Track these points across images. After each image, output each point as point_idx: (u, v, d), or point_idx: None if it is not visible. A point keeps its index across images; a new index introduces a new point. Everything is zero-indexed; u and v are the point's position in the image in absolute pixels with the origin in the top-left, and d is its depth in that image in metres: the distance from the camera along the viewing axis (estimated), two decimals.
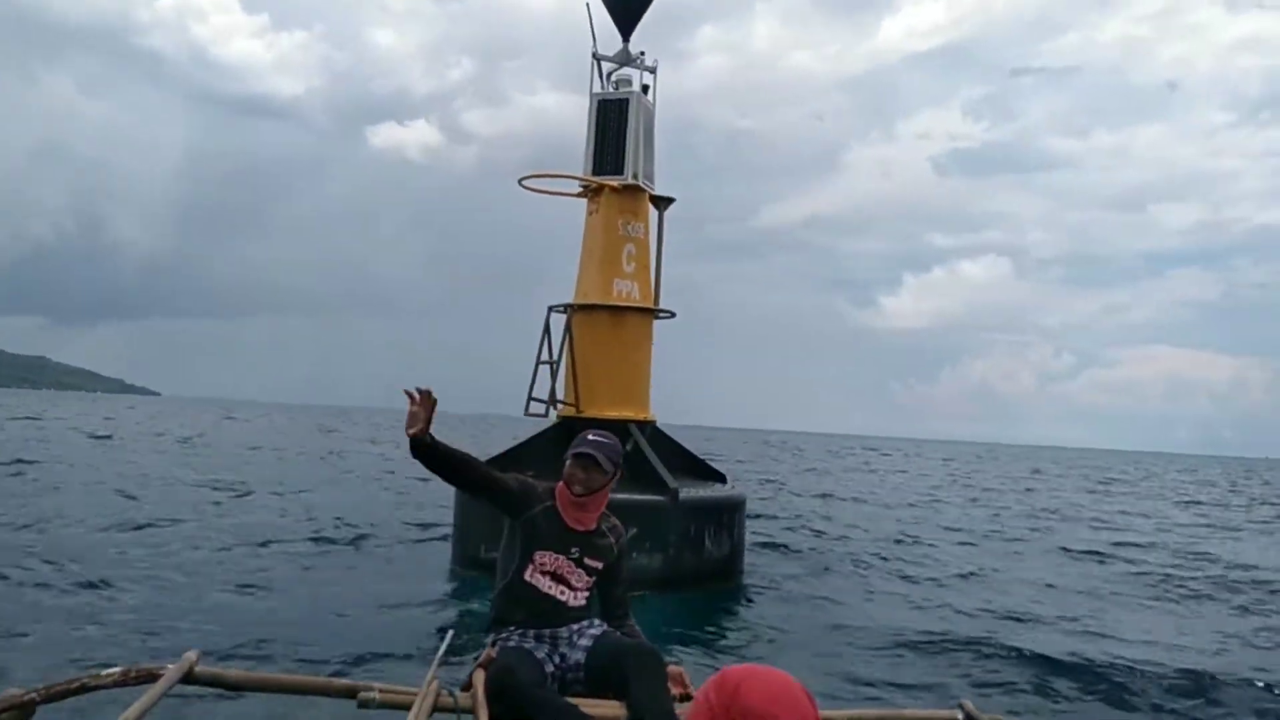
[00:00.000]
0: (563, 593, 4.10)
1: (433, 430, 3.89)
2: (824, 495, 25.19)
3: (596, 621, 4.18)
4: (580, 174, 11.91)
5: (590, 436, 4.12)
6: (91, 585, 9.20)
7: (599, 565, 4.16)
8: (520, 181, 11.98)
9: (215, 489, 18.93)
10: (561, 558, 4.10)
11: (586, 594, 4.16)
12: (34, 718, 3.77)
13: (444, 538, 12.98)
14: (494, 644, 4.01)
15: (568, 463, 4.05)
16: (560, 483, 4.12)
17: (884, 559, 14.40)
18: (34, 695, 3.61)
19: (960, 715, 4.01)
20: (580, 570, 4.12)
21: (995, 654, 8.42)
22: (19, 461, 21.82)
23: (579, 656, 3.99)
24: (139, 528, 13.42)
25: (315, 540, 13.28)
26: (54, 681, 3.70)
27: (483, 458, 11.51)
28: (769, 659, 7.37)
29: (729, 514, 11.27)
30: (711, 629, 8.71)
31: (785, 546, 14.74)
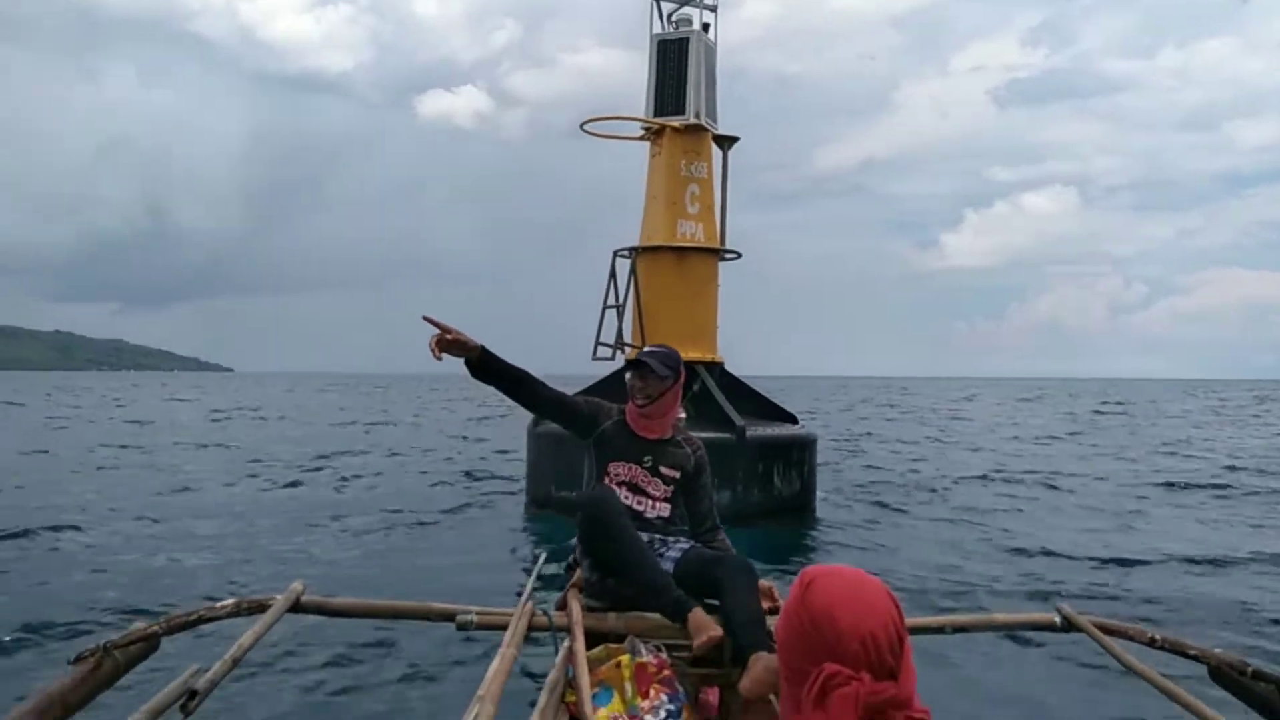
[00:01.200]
0: (640, 503, 4.20)
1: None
2: (905, 441, 24.91)
3: (684, 538, 4.33)
4: (643, 116, 11.97)
5: (646, 348, 4.23)
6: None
7: (675, 474, 4.24)
8: (582, 126, 12.06)
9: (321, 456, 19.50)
10: (635, 467, 4.19)
11: (667, 504, 4.25)
12: (158, 650, 4.12)
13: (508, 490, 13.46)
14: (594, 566, 4.18)
15: (627, 376, 4.18)
16: (629, 401, 4.24)
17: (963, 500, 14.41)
18: (157, 628, 3.92)
19: (1058, 619, 4.09)
20: (656, 479, 4.21)
21: (1095, 567, 8.53)
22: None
23: (667, 566, 4.07)
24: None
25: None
26: (173, 615, 4.02)
27: None
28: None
29: (798, 452, 11.39)
30: (782, 561, 8.90)
31: (867, 487, 14.81)
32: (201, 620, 4.04)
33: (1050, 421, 36.35)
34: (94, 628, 6.05)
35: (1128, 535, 10.85)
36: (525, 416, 13.37)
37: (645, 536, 4.19)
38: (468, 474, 15.86)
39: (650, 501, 4.23)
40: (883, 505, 12.96)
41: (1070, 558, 9.40)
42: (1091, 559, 9.35)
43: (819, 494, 12.35)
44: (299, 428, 29.03)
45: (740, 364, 12.22)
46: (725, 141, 12.09)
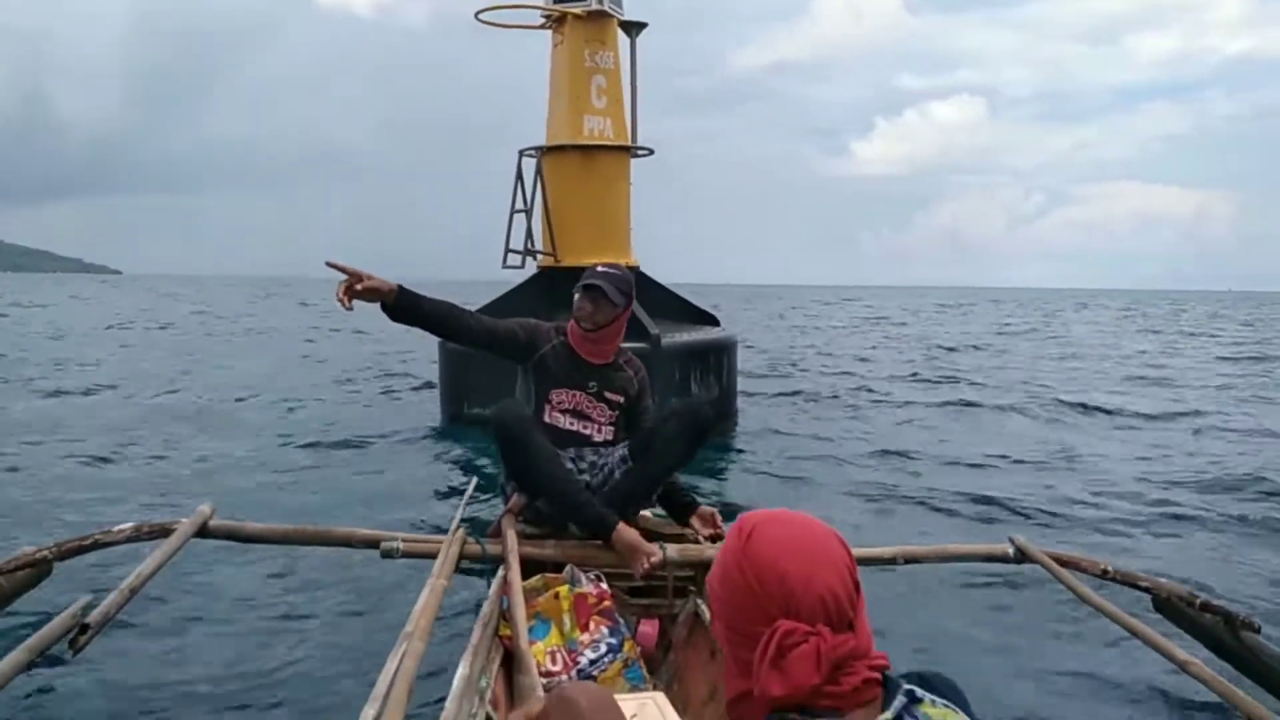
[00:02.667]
0: (586, 427, 4.12)
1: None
2: (817, 349, 25.25)
3: (621, 447, 4.23)
4: (541, 3, 11.52)
5: (599, 268, 4.09)
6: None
7: (620, 398, 4.17)
8: (477, 15, 11.57)
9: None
10: (579, 393, 4.10)
11: (612, 428, 4.17)
12: (50, 576, 3.85)
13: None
14: (518, 489, 4.05)
15: (576, 296, 4.03)
16: (571, 320, 4.11)
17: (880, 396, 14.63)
18: (47, 553, 3.66)
19: (1011, 550, 4.15)
20: (601, 404, 4.13)
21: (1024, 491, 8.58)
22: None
23: (612, 467, 4.04)
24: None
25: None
26: (67, 539, 3.76)
27: None
28: (773, 500, 7.55)
29: (716, 356, 11.33)
30: (708, 475, 8.86)
31: (782, 392, 14.93)
32: (98, 545, 3.80)
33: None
34: None
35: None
36: None
37: (589, 454, 4.10)
38: (372, 385, 15.48)
39: (596, 426, 4.14)
40: (804, 410, 13.10)
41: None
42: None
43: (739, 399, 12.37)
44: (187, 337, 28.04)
45: (657, 269, 12.07)
46: (633, 28, 11.70)
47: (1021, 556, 4.14)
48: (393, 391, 14.74)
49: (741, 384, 12.83)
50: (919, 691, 1.42)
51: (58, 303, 53.94)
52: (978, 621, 4.86)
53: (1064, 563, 4.07)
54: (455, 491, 7.96)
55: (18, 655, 3.09)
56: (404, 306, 3.81)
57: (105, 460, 8.99)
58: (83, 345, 23.94)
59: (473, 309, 11.07)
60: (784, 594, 1.42)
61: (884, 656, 1.45)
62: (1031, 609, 5.02)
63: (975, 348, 27.96)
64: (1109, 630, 4.23)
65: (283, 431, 11.07)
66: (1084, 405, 14.34)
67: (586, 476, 4.02)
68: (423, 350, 15.94)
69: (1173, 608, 4.20)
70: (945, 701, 1.44)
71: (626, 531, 3.80)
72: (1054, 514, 7.49)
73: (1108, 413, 13.66)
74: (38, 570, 3.74)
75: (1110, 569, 4.11)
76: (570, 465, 4.00)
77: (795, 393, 15.17)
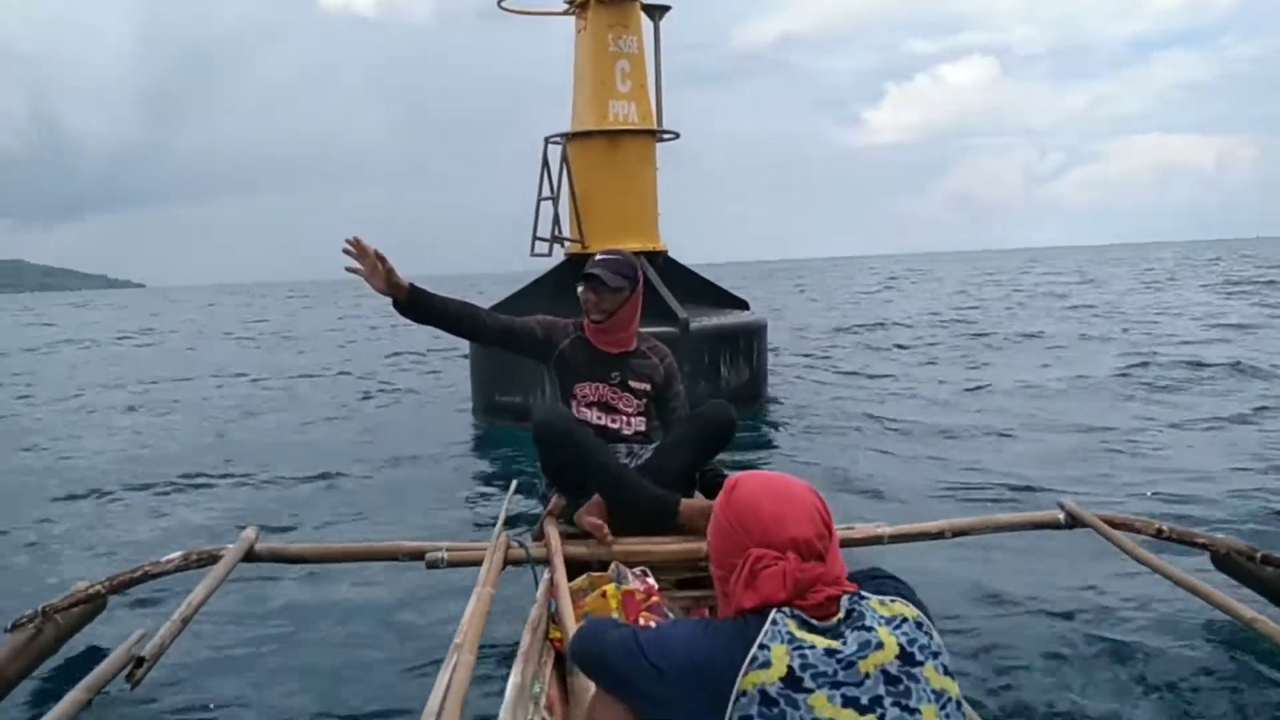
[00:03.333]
0: (615, 420, 4.09)
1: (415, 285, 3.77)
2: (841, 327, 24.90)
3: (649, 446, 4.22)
4: None
5: (597, 256, 4.07)
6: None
7: (645, 386, 4.14)
8: (500, 3, 11.52)
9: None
10: (602, 385, 4.08)
11: (642, 418, 4.16)
12: (104, 610, 3.92)
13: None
14: (560, 490, 4.05)
15: (579, 290, 4.02)
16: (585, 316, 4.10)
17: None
18: (100, 587, 3.74)
19: (1062, 515, 4.10)
20: (627, 394, 4.10)
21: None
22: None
23: (647, 456, 4.02)
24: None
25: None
26: (118, 572, 3.82)
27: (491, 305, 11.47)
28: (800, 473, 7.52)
29: (746, 339, 11.30)
30: (734, 452, 8.78)
31: (811, 375, 14.86)
32: (148, 576, 3.86)
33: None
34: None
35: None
36: None
37: (623, 447, 4.08)
38: (393, 385, 15.52)
39: (625, 418, 4.12)
40: (839, 393, 13.02)
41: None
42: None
43: (771, 380, 12.34)
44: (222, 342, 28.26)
45: (684, 251, 12.02)
46: (656, 11, 11.59)
47: (1073, 521, 4.10)
48: (428, 383, 14.76)
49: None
50: (864, 592, 1.75)
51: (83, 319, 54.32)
52: (1032, 589, 4.78)
53: (1116, 525, 4.05)
54: (489, 486, 8.02)
55: (77, 694, 3.15)
56: (415, 303, 3.80)
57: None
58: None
59: (497, 300, 11.12)
60: (760, 529, 1.75)
61: (854, 586, 1.75)
62: (1086, 574, 4.91)
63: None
64: (1168, 591, 4.16)
65: (320, 434, 11.21)
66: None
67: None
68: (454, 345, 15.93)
69: (1233, 564, 4.16)
70: (891, 597, 1.77)
71: (691, 503, 3.79)
72: None
73: None
74: (93, 605, 3.82)
75: (1165, 528, 4.09)
76: None
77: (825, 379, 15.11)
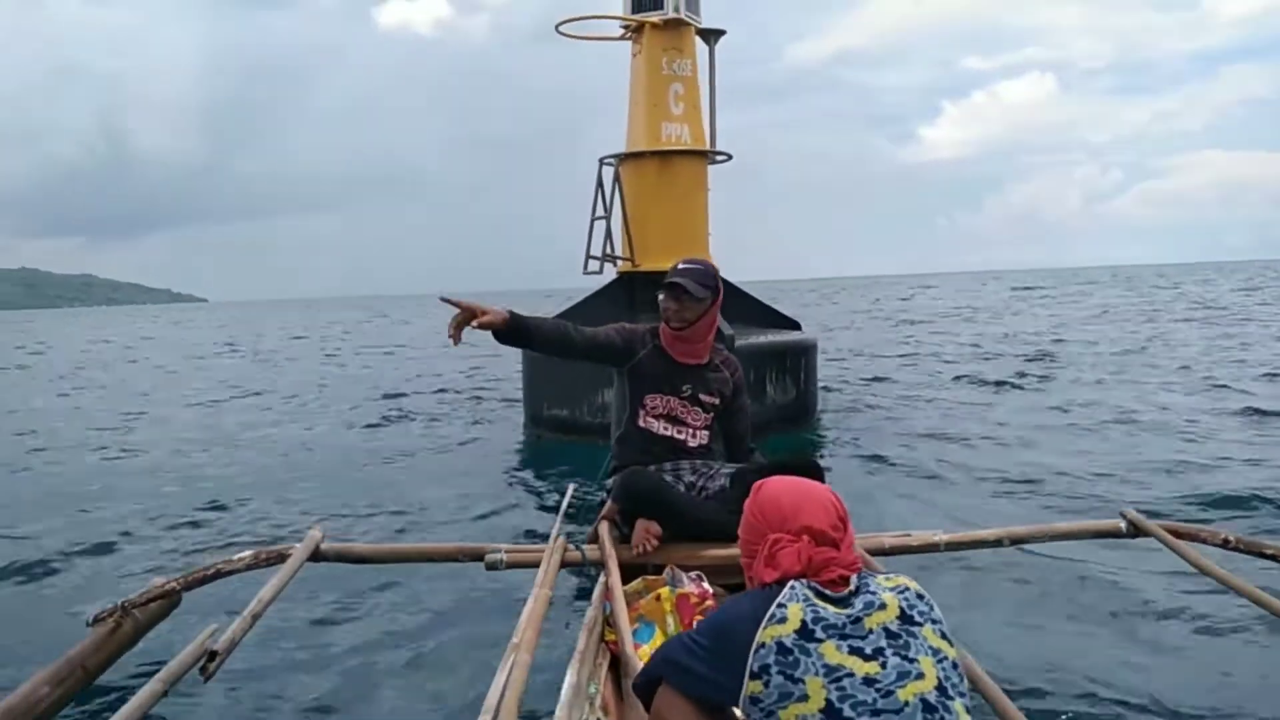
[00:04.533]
0: (680, 432, 4.12)
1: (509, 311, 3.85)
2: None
3: (725, 463, 4.25)
4: (620, 14, 11.62)
5: (680, 265, 4.09)
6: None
7: (715, 400, 4.17)
8: (557, 27, 11.72)
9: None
10: (673, 398, 4.12)
11: (706, 431, 4.17)
12: (179, 606, 4.08)
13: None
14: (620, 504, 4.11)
15: (660, 297, 4.05)
16: (661, 323, 4.13)
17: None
18: (175, 584, 3.89)
19: (1123, 524, 4.03)
20: (696, 408, 4.14)
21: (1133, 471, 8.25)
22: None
23: (721, 482, 4.03)
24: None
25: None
26: (192, 570, 3.98)
27: None
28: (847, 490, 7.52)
29: (793, 359, 11.29)
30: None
31: (864, 394, 14.80)
32: (220, 574, 4.02)
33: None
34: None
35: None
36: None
37: (686, 464, 4.14)
38: (459, 391, 15.71)
39: (690, 430, 4.15)
40: (889, 414, 12.97)
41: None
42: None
43: (821, 401, 12.32)
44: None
45: (742, 269, 12.09)
46: (711, 35, 11.73)
47: (1135, 531, 3.99)
48: (481, 401, 14.97)
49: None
50: (870, 574, 1.98)
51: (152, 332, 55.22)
52: (1093, 600, 4.73)
53: (1181, 535, 3.90)
54: (545, 491, 8.15)
55: (154, 685, 3.29)
56: (513, 332, 3.86)
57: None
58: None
59: (553, 315, 11.29)
60: (779, 517, 2.00)
61: (858, 569, 1.96)
62: (1150, 586, 4.83)
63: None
64: (1236, 606, 4.05)
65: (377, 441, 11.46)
66: None
67: (681, 487, 4.07)
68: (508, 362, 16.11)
69: None
70: (895, 574, 2.02)
71: None
72: None
73: None
74: (168, 601, 3.97)
75: (1233, 539, 3.90)
76: (669, 479, 4.05)
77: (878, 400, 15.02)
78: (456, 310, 3.76)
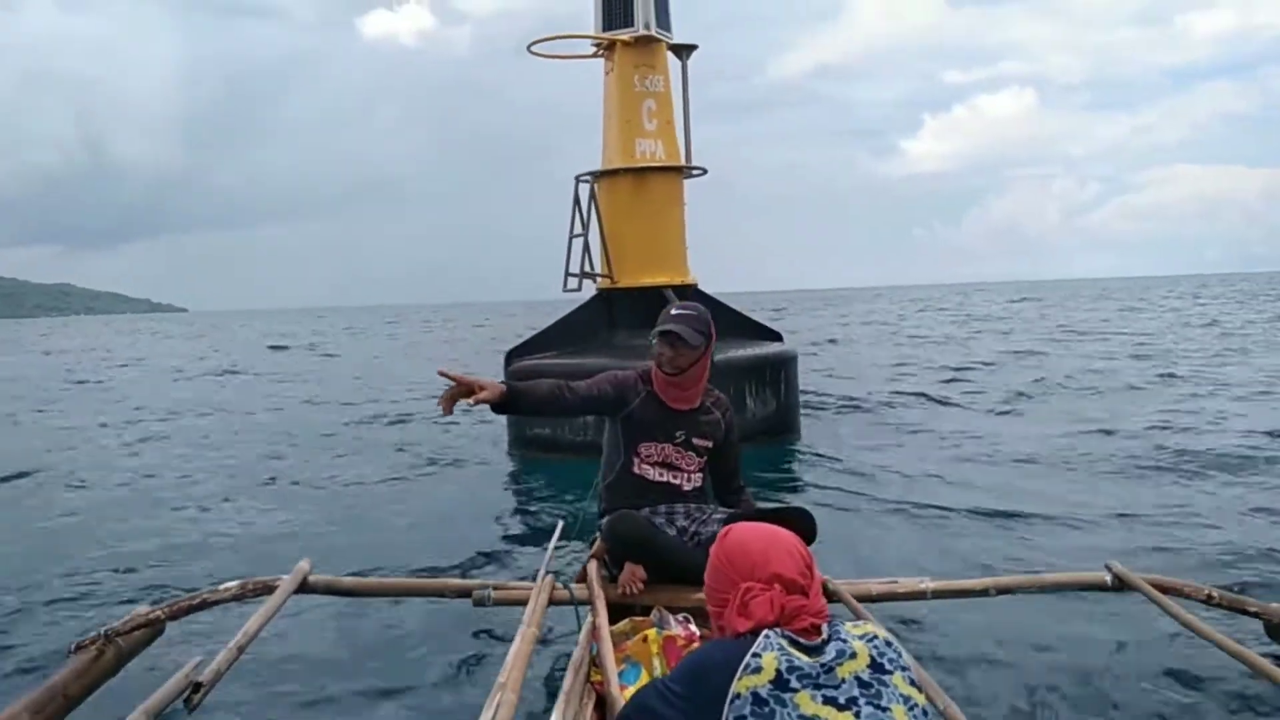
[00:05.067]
0: (675, 477, 4.10)
1: (498, 384, 3.85)
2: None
3: (717, 508, 4.23)
4: (591, 31, 11.67)
5: (674, 311, 4.06)
6: None
7: (708, 444, 4.14)
8: (529, 48, 11.76)
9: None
10: (667, 445, 4.09)
11: (700, 474, 4.16)
12: (162, 635, 4.04)
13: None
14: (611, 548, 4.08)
15: (654, 343, 4.01)
16: (653, 366, 4.09)
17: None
18: (160, 614, 3.85)
19: (1109, 577, 4.04)
20: (690, 453, 4.11)
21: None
22: None
23: (714, 528, 3.97)
24: None
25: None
26: (177, 599, 3.94)
27: (520, 340, 11.59)
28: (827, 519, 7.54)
29: (773, 371, 11.32)
30: (760, 483, 8.73)
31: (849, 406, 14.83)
32: (206, 604, 3.97)
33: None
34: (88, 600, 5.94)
35: None
36: (500, 349, 13.24)
37: (681, 509, 4.12)
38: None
39: (685, 475, 4.12)
40: (877, 420, 13.01)
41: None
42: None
43: (804, 412, 12.35)
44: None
45: (721, 281, 12.14)
46: (683, 51, 11.80)
47: (1120, 584, 3.99)
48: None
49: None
50: (839, 620, 2.00)
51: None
52: (1077, 652, 4.75)
53: (1165, 589, 3.89)
54: (531, 513, 8.15)
55: (136, 716, 3.25)
56: (507, 405, 3.89)
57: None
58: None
59: (531, 333, 11.29)
60: (748, 565, 2.01)
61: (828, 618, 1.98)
62: (1133, 639, 4.87)
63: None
64: (1218, 660, 4.07)
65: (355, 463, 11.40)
66: None
67: (673, 531, 4.06)
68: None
69: None
70: (864, 621, 2.15)
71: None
72: None
73: None
74: (152, 630, 3.93)
75: (1215, 594, 3.91)
76: (661, 522, 4.06)
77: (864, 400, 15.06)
78: (450, 383, 3.79)
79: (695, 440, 4.12)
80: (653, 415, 4.08)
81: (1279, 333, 29.05)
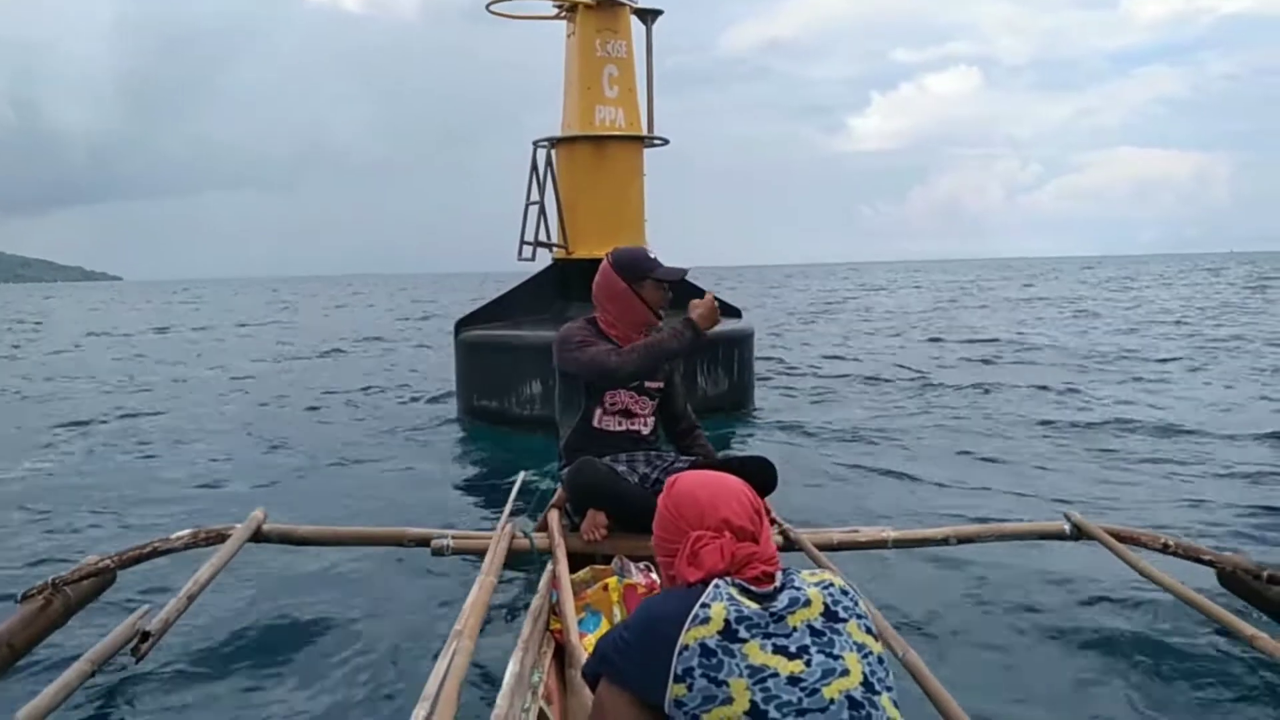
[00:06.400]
0: (633, 424, 4.23)
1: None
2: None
3: (678, 455, 4.33)
4: None
5: (653, 257, 4.33)
6: None
7: (659, 385, 4.30)
8: (488, 6, 11.64)
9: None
10: (621, 391, 4.21)
11: (653, 419, 4.29)
12: (113, 584, 4.02)
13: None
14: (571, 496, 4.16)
15: (646, 285, 4.16)
16: (598, 314, 4.27)
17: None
18: (109, 562, 3.84)
19: (1068, 526, 4.19)
20: (644, 397, 4.25)
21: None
22: None
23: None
24: None
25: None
26: (128, 548, 3.92)
27: (473, 309, 11.56)
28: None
29: (725, 348, 11.35)
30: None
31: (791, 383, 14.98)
32: (157, 553, 3.97)
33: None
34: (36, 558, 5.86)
35: None
36: (446, 322, 13.17)
37: (641, 456, 4.20)
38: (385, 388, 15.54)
39: (641, 420, 4.24)
40: (829, 398, 13.15)
41: None
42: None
43: (758, 390, 12.43)
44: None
45: (671, 256, 12.15)
46: (648, 15, 11.71)
47: (1078, 533, 4.17)
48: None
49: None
50: (794, 570, 2.01)
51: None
52: (1035, 598, 4.87)
53: (1122, 538, 4.09)
54: (479, 482, 8.15)
55: (81, 665, 3.25)
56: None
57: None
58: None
59: (483, 303, 11.22)
60: (696, 513, 2.02)
61: (781, 567, 1.98)
62: (1090, 585, 4.97)
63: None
64: (1172, 606, 4.20)
65: (314, 431, 11.34)
66: None
67: (635, 478, 4.15)
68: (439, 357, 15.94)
69: (1238, 581, 4.22)
70: (819, 570, 2.08)
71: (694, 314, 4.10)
72: None
73: None
74: (102, 579, 3.91)
75: (1171, 543, 4.13)
76: (624, 470, 4.12)
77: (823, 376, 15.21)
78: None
79: (647, 383, 4.23)
80: None
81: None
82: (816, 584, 1.94)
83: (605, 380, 4.09)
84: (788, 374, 15.98)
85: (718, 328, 11.38)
